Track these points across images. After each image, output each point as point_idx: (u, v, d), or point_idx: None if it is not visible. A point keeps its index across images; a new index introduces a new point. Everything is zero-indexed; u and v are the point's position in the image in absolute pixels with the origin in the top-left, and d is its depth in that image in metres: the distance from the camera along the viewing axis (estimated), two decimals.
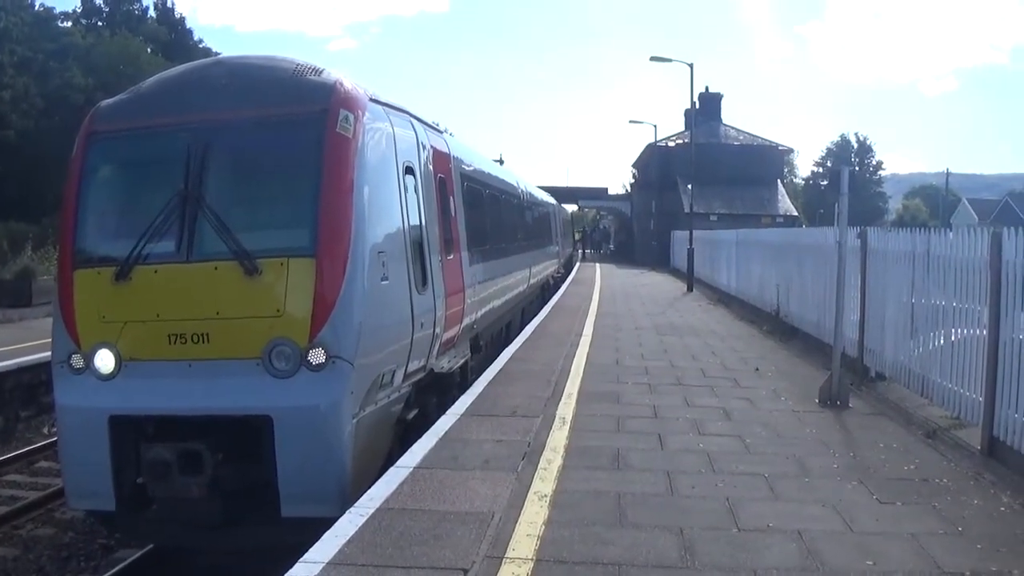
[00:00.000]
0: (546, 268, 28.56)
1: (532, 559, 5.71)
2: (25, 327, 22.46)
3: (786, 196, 59.18)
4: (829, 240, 14.19)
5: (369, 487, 7.19)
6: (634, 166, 77.43)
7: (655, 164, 58.90)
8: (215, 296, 7.85)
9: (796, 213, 59.00)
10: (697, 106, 44.43)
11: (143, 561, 9.46)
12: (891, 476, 7.73)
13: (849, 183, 10.89)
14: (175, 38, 65.28)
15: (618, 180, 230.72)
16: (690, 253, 33.14)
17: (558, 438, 8.86)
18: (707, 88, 63.33)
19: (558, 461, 8.02)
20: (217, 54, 56.88)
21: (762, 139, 61.83)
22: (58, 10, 69.01)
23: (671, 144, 59.81)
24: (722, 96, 64.57)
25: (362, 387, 7.98)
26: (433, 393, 10.49)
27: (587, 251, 76.74)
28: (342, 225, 7.87)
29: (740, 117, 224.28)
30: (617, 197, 75.68)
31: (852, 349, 12.56)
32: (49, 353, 8.56)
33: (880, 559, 5.79)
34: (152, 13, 66.71)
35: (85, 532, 10.84)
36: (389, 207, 8.93)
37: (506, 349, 14.99)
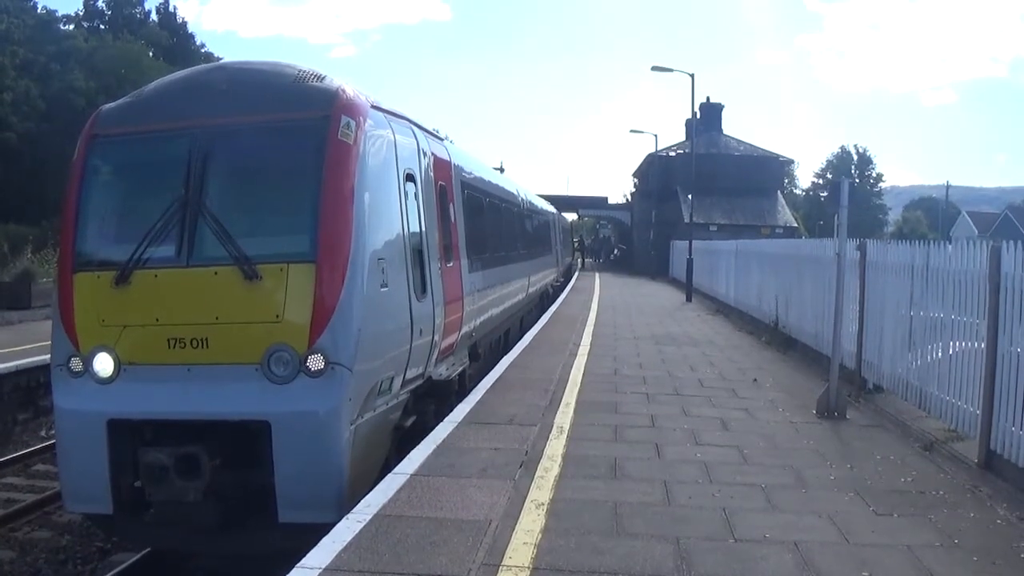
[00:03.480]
0: (545, 277, 28.56)
1: (529, 567, 5.72)
2: (24, 329, 22.45)
3: (786, 207, 59.20)
4: (828, 252, 14.20)
5: (366, 494, 7.20)
6: (634, 175, 77.48)
7: (655, 174, 58.95)
8: (215, 301, 7.85)
9: (796, 224, 59.01)
10: (698, 116, 44.55)
11: (140, 565, 9.44)
12: (888, 488, 7.74)
13: (849, 195, 10.91)
14: (177, 42, 65.41)
15: (618, 189, 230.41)
16: (689, 263, 33.15)
17: (556, 447, 8.86)
18: (708, 98, 63.42)
19: (555, 470, 8.02)
20: (219, 59, 57.04)
21: (762, 150, 61.85)
22: (60, 13, 69.20)
23: (671, 154, 59.80)
24: (723, 107, 64.64)
25: (360, 394, 7.98)
26: (431, 400, 10.48)
27: (586, 260, 76.59)
28: (342, 231, 7.88)
29: (741, 128, 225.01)
30: (617, 206, 75.65)
31: (850, 361, 12.57)
32: (47, 356, 8.58)
33: (876, 571, 5.79)
34: (154, 17, 66.86)
35: (82, 535, 10.83)
36: (389, 214, 8.94)
37: (504, 357, 15.00)
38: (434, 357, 10.31)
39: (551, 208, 37.55)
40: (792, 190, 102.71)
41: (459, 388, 11.78)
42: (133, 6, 65.53)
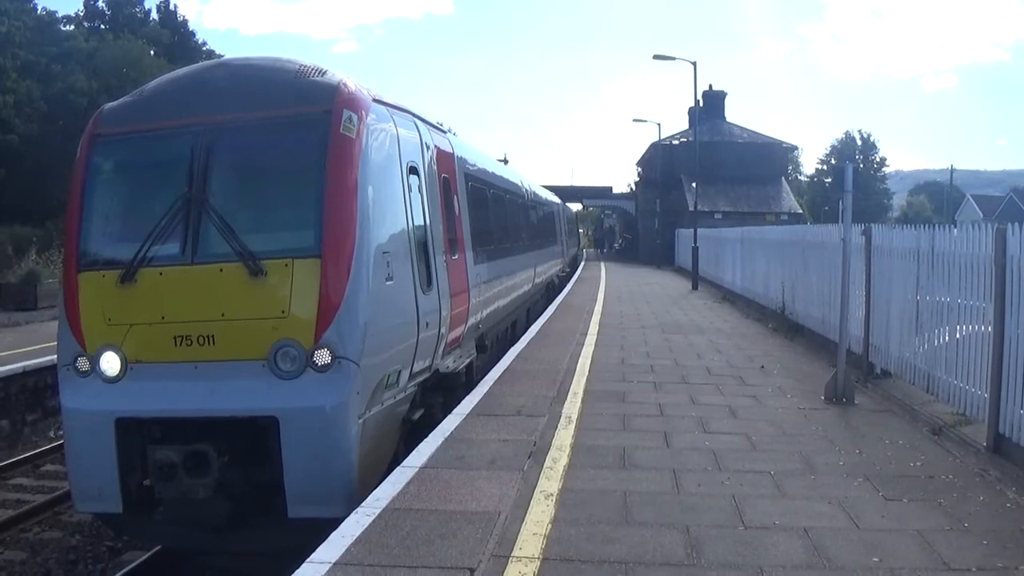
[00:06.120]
0: (551, 267, 28.55)
1: (539, 558, 5.72)
2: (30, 330, 22.51)
3: (790, 194, 59.06)
4: (834, 237, 14.18)
5: (375, 487, 7.20)
6: (638, 165, 77.36)
7: (659, 162, 58.84)
8: (220, 298, 7.86)
9: (800, 210, 58.89)
10: (701, 104, 44.37)
11: (150, 563, 9.47)
12: (897, 473, 7.73)
13: (853, 180, 10.88)
14: (178, 40, 65.39)
15: (622, 179, 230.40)
16: (695, 251, 33.07)
17: (564, 437, 8.86)
18: (710, 86, 63.30)
19: (564, 460, 8.02)
20: (220, 56, 57.02)
21: (766, 137, 61.65)
22: (60, 14, 69.14)
23: (675, 142, 59.71)
24: (726, 94, 64.46)
25: (368, 387, 7.99)
26: (439, 393, 10.49)
27: (588, 250, 76.47)
28: (346, 226, 7.88)
29: (744, 116, 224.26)
30: (621, 196, 75.56)
31: (857, 346, 12.55)
32: (55, 356, 8.59)
33: (886, 556, 5.79)
34: (155, 16, 66.84)
35: (92, 535, 10.86)
36: (393, 207, 8.94)
37: (511, 348, 14.98)
38: (441, 349, 10.31)
39: (555, 199, 37.53)
40: (796, 177, 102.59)
41: (466, 380, 11.79)
42: (133, 5, 65.48)
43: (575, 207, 69.38)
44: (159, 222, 8.04)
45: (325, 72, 8.66)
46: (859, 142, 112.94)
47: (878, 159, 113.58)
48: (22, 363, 16.54)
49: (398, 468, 7.71)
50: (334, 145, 8.04)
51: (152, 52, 59.54)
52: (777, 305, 19.30)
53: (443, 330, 10.24)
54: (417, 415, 9.54)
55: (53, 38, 54.03)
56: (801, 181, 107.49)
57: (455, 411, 9.87)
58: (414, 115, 10.55)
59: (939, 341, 10.21)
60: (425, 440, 8.59)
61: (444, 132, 13.06)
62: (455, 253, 11.42)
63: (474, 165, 14.63)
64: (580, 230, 76.99)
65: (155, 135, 8.53)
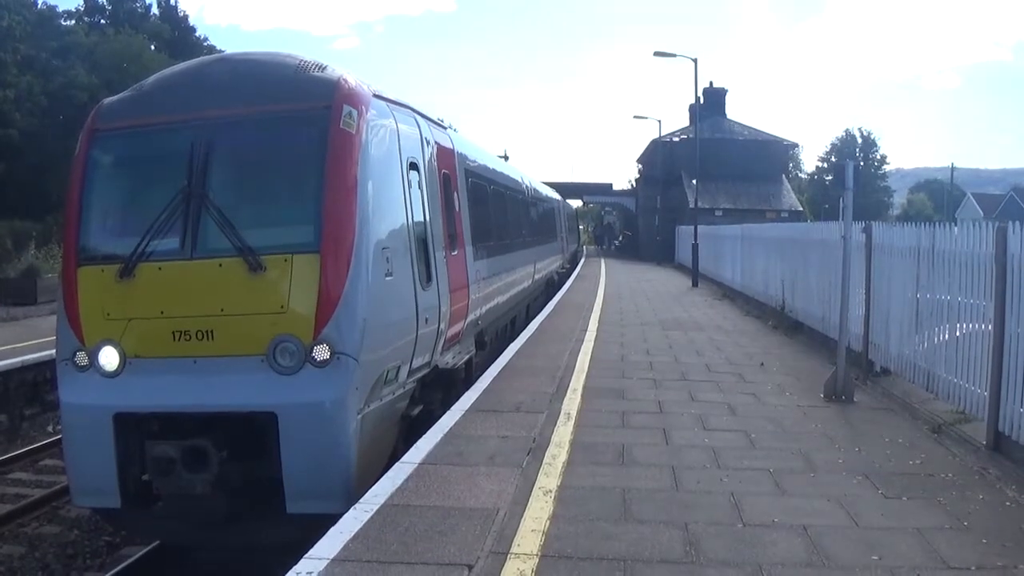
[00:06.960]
0: (551, 264, 28.54)
1: (537, 555, 5.71)
2: (29, 325, 22.49)
3: (791, 191, 58.99)
4: (834, 235, 14.15)
5: (374, 483, 7.19)
6: (639, 161, 77.31)
7: (660, 159, 58.80)
8: (219, 293, 7.84)
9: (801, 208, 58.80)
10: (702, 101, 44.28)
11: (148, 558, 9.47)
12: (896, 471, 7.72)
13: (853, 178, 10.86)
14: (178, 36, 65.26)
15: (623, 175, 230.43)
16: (695, 248, 33.07)
17: (563, 433, 8.85)
18: (711, 83, 63.18)
19: (563, 457, 8.01)
20: (221, 51, 56.92)
21: (767, 134, 61.50)
22: (61, 8, 69.05)
23: (676, 139, 59.63)
24: (726, 91, 64.20)
25: (367, 383, 7.98)
26: (438, 389, 10.47)
27: (589, 246, 76.44)
28: (346, 221, 7.86)
29: (745, 113, 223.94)
30: (622, 193, 75.58)
31: (857, 344, 12.53)
32: (53, 351, 8.58)
33: (886, 554, 5.77)
34: (155, 11, 66.71)
35: (90, 530, 10.86)
36: (393, 203, 8.92)
37: (511, 345, 14.98)
38: (440, 345, 10.30)
39: (556, 195, 37.51)
40: (797, 174, 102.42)
41: (466, 376, 11.77)
42: (134, 0, 65.36)
43: (575, 204, 69.32)
44: (158, 217, 8.02)
45: (325, 67, 8.64)
46: (860, 140, 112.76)
47: (879, 157, 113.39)
48: (20, 357, 16.53)
49: (397, 464, 7.70)
50: (334, 140, 8.02)
51: (153, 47, 59.33)
52: (777, 302, 19.30)
53: (442, 326, 10.23)
54: (416, 411, 9.52)
55: (54, 33, 53.85)
56: (801, 178, 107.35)
57: (454, 407, 9.87)
58: (414, 111, 10.53)
59: (939, 339, 10.20)
60: (424, 436, 8.59)
61: (444, 128, 13.04)
62: (455, 249, 11.41)
63: (474, 161, 14.62)
64: (580, 227, 76.98)
65: (154, 130, 8.52)
